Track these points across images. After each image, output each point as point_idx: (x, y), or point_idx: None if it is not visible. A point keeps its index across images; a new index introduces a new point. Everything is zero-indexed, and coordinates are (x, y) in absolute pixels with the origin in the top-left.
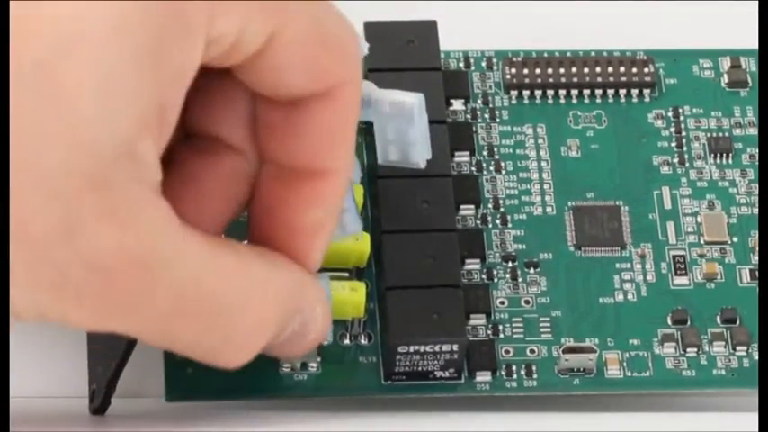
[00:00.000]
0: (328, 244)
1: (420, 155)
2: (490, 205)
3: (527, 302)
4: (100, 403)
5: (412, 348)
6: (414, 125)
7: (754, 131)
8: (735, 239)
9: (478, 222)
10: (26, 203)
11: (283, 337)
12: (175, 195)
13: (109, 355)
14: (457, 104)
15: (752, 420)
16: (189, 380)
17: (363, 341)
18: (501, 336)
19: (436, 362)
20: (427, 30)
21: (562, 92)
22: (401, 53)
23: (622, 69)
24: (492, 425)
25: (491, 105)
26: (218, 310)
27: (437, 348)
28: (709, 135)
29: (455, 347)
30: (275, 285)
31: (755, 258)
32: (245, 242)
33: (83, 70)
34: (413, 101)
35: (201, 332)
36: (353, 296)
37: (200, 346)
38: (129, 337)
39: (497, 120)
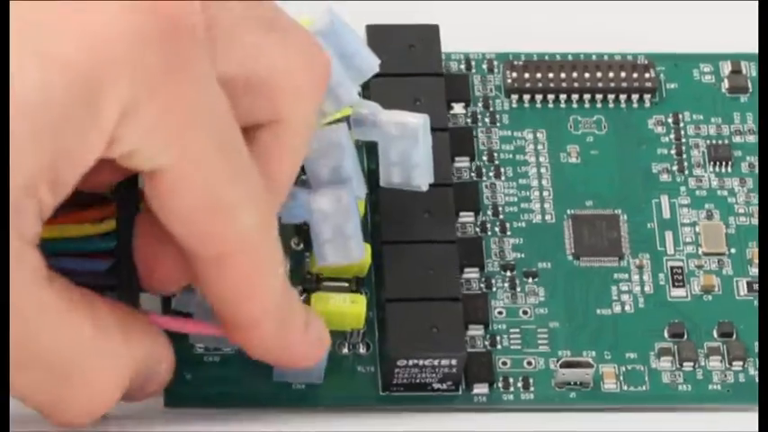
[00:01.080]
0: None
1: (422, 177)
2: (490, 212)
3: (525, 313)
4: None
5: (411, 362)
6: (418, 146)
7: (753, 139)
8: (733, 251)
9: (478, 230)
10: None
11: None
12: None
13: None
14: (458, 108)
15: (752, 421)
16: (188, 386)
17: (362, 350)
18: (499, 347)
19: (434, 374)
20: (429, 34)
21: (563, 96)
22: (403, 57)
23: (623, 74)
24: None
25: (492, 109)
26: (56, 371)
27: (436, 363)
28: (708, 142)
29: (453, 362)
30: (124, 359)
31: (753, 270)
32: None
33: None
34: (418, 122)
35: (38, 388)
36: (354, 308)
37: (37, 401)
38: None
39: (498, 124)
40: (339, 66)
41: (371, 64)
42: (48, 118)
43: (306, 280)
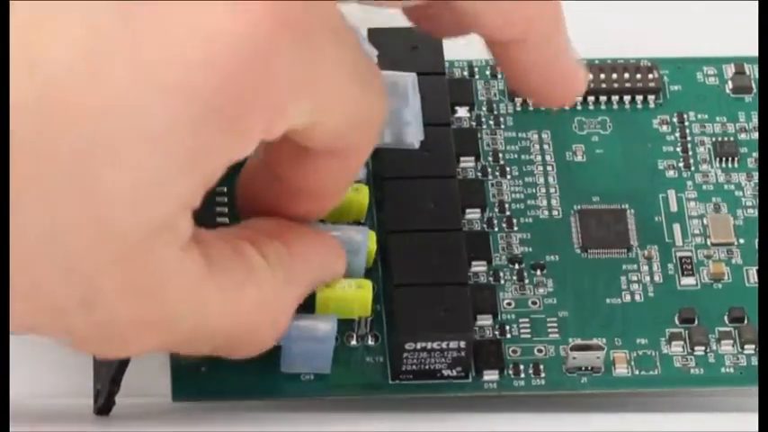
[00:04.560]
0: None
1: (414, 135)
2: (496, 209)
3: (534, 303)
4: (103, 403)
5: (419, 345)
6: (408, 104)
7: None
8: (741, 241)
9: (484, 226)
10: (50, 277)
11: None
12: None
13: None
14: (461, 112)
15: (752, 420)
16: (196, 379)
17: (370, 342)
18: (508, 336)
19: (443, 359)
20: (431, 36)
21: None
22: (406, 59)
23: (627, 76)
24: (500, 425)
25: (495, 112)
26: (230, 343)
27: (444, 345)
28: (714, 139)
29: (462, 344)
30: (291, 297)
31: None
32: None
33: (122, 173)
34: (407, 79)
35: (216, 351)
36: (360, 294)
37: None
38: None
39: (502, 126)
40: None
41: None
42: (186, 152)
43: None
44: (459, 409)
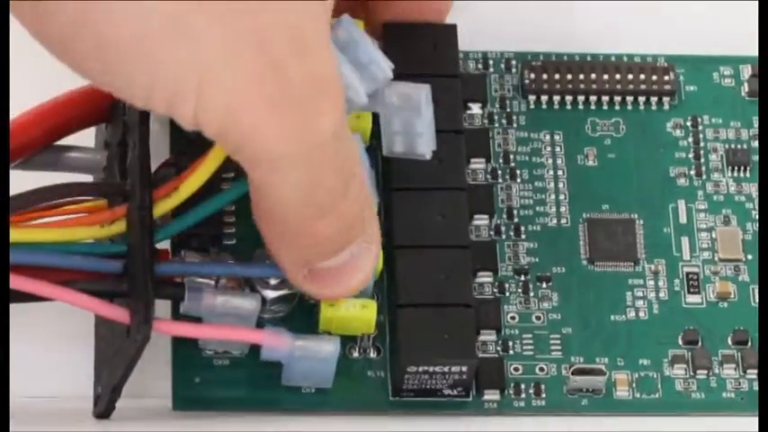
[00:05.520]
0: None
1: (426, 145)
2: (504, 215)
3: (538, 318)
4: (104, 409)
5: (421, 368)
6: (421, 116)
7: None
8: (749, 257)
9: (492, 233)
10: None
11: (340, 259)
12: None
13: (115, 359)
14: (474, 108)
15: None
16: (196, 389)
17: (372, 355)
18: (511, 352)
19: (445, 381)
20: (447, 33)
21: (581, 98)
22: (420, 57)
23: (642, 76)
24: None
25: (508, 110)
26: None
27: (446, 369)
28: (727, 146)
29: (464, 369)
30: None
31: None
32: None
33: None
34: (420, 91)
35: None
36: (364, 313)
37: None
38: (137, 343)
39: (514, 125)
40: (350, 70)
41: (386, 71)
42: None
43: None
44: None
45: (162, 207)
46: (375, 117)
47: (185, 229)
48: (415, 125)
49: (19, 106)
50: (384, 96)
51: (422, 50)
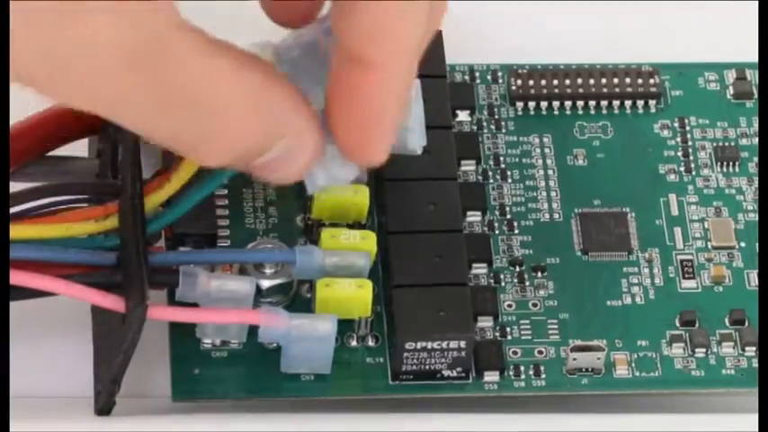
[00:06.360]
0: (384, 143)
1: (417, 141)
2: (497, 212)
3: (534, 305)
4: (103, 404)
5: (419, 345)
6: (411, 111)
7: None
8: (742, 244)
9: (485, 229)
10: None
11: (266, 157)
12: None
13: (113, 349)
14: (462, 115)
15: (752, 421)
16: (196, 380)
17: (371, 343)
18: (509, 337)
19: (444, 360)
20: (432, 39)
21: (568, 103)
22: None
23: (628, 80)
24: (500, 425)
25: (497, 116)
26: (197, 110)
27: (444, 345)
28: (715, 144)
29: (462, 344)
30: (264, 101)
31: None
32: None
33: None
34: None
35: (179, 127)
36: (360, 293)
37: (177, 141)
38: (133, 326)
39: (503, 130)
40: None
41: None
42: None
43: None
44: (459, 410)
45: (154, 199)
46: None
47: (179, 216)
48: (406, 120)
49: (14, 116)
50: None
51: None
